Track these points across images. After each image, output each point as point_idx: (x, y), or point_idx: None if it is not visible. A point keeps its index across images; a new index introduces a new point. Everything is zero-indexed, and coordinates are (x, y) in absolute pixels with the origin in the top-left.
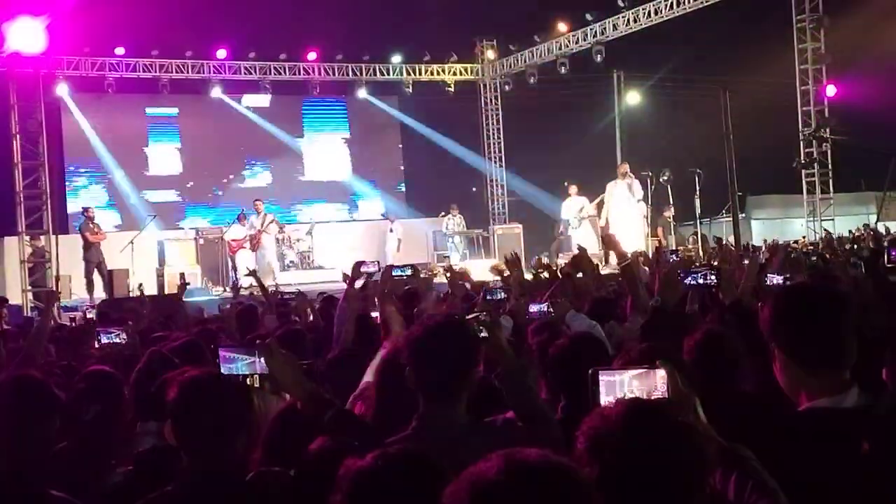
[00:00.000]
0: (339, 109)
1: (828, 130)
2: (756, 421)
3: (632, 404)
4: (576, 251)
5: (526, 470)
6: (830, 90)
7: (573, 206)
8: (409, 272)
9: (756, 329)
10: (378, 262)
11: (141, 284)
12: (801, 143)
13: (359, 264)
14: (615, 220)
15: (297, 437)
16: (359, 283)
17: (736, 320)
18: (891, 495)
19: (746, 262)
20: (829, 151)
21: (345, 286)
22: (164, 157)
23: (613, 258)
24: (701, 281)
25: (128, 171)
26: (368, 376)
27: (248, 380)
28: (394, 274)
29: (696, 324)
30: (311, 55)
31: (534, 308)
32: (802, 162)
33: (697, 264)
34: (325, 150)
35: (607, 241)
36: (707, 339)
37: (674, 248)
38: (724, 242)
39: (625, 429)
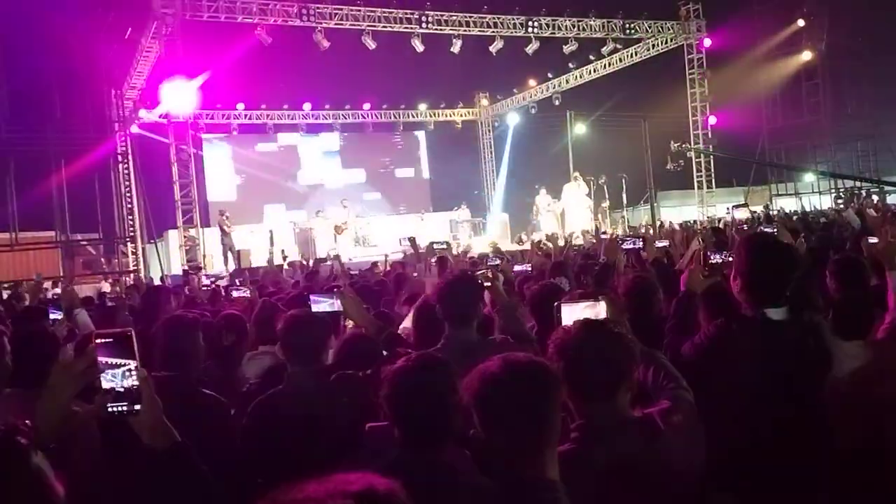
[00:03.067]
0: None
1: (691, 143)
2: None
3: (584, 322)
4: (544, 231)
5: (517, 365)
6: (712, 119)
7: (542, 202)
8: (444, 245)
9: (670, 276)
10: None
11: (285, 257)
12: (671, 154)
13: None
14: (570, 210)
15: (362, 353)
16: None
17: (655, 270)
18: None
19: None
20: (711, 160)
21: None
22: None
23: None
24: (632, 245)
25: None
26: (406, 323)
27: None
28: (434, 247)
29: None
30: (366, 105)
31: (518, 268)
32: (671, 167)
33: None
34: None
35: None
36: (636, 280)
37: (604, 229)
38: (669, 224)
39: (580, 337)
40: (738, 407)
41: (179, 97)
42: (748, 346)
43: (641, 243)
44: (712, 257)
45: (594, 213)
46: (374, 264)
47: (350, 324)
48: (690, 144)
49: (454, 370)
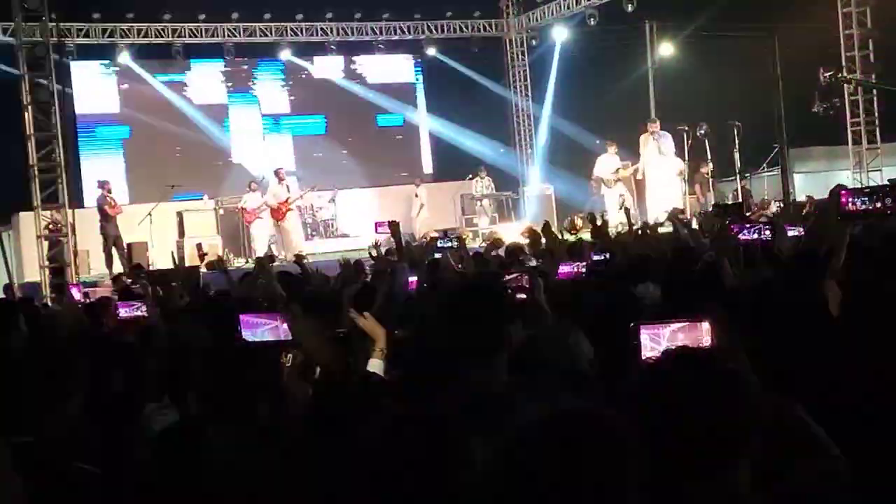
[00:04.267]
0: None
1: (846, 73)
2: None
3: (679, 353)
4: (609, 210)
5: (570, 421)
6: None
7: (609, 165)
8: (455, 244)
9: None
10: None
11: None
12: (818, 90)
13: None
14: (651, 178)
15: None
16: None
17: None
18: None
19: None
20: (875, 99)
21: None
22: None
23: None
24: (756, 236)
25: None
26: None
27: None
28: (440, 245)
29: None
30: (329, 15)
31: (565, 268)
32: (818, 109)
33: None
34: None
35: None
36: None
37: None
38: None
39: (672, 377)
40: None
41: None
42: None
43: (769, 232)
44: (850, 202)
45: (689, 183)
46: (358, 264)
47: (289, 358)
48: (844, 73)
49: (467, 435)
